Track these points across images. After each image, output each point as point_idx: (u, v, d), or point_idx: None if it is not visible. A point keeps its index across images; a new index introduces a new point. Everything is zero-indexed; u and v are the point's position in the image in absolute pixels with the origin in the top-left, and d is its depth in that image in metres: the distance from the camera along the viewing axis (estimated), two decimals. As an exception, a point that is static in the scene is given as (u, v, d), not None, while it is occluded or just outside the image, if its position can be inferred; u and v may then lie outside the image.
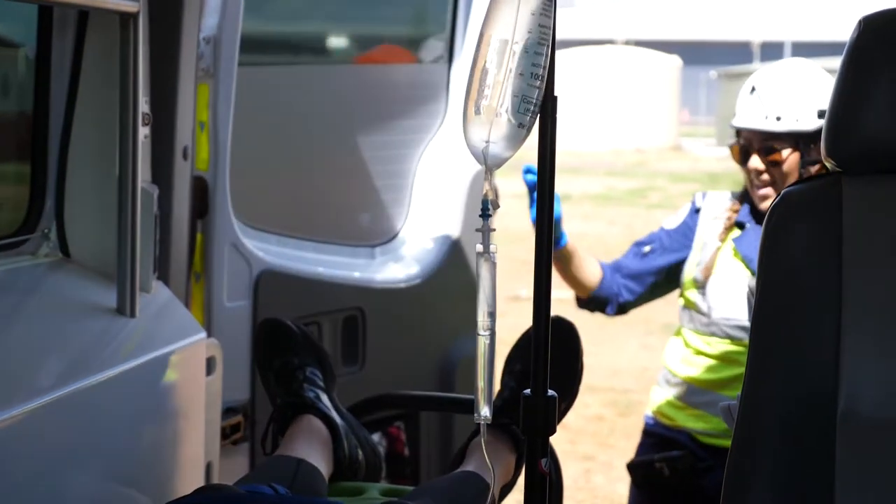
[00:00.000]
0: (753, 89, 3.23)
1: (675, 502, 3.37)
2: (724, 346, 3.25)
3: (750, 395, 1.75)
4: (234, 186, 2.97)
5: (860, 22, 1.75)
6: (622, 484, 5.09)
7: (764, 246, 1.77)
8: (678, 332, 3.39)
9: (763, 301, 1.77)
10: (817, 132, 3.06)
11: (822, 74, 3.22)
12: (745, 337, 3.13)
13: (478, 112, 1.63)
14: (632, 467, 3.42)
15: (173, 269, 2.69)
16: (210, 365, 2.66)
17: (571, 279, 3.31)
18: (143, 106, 2.37)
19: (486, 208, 1.66)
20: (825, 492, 1.66)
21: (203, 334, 2.59)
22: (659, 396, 3.40)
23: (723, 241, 3.27)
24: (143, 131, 2.38)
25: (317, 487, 2.28)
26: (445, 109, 3.77)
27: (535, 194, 3.13)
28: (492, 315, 1.66)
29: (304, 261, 3.32)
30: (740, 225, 3.27)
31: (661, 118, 29.22)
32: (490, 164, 1.64)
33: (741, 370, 1.87)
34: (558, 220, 3.08)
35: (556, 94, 1.68)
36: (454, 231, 3.70)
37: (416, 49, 3.91)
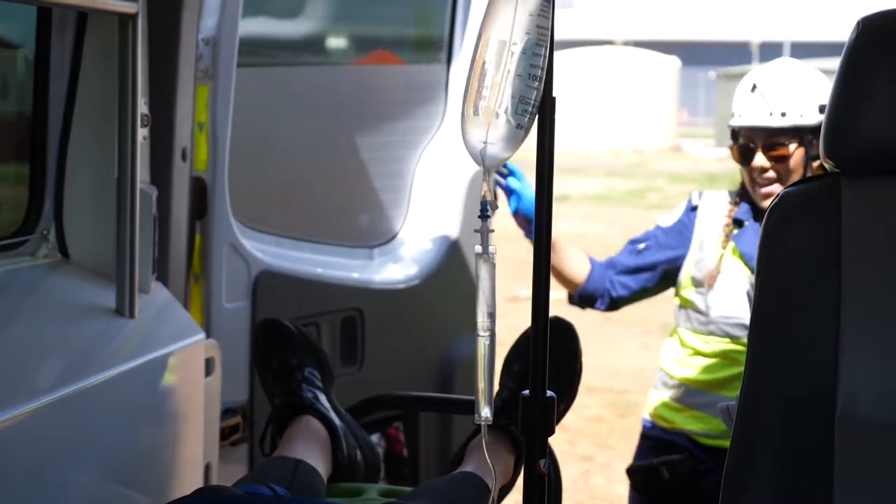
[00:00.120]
0: (754, 87, 3.24)
1: (676, 505, 3.37)
2: (723, 344, 3.24)
3: (749, 394, 1.75)
4: (234, 187, 2.97)
5: (859, 23, 1.75)
6: (621, 485, 5.09)
7: (763, 246, 1.77)
8: (674, 333, 3.39)
9: (762, 301, 1.77)
10: (819, 126, 3.07)
11: (816, 72, 3.27)
12: (745, 335, 3.13)
13: (476, 113, 1.63)
14: (631, 472, 3.41)
15: (172, 270, 2.69)
16: (209, 366, 2.66)
17: (556, 274, 3.31)
18: (142, 107, 2.37)
19: (485, 209, 1.66)
20: (824, 491, 1.67)
21: (202, 335, 2.59)
22: (656, 399, 3.40)
23: (724, 248, 3.26)
24: (142, 132, 2.38)
25: (315, 488, 2.28)
26: (444, 110, 3.76)
27: (509, 187, 3.20)
28: (491, 316, 1.66)
29: (302, 261, 3.32)
30: (738, 223, 3.27)
31: (660, 119, 29.22)
32: (488, 165, 1.64)
33: (739, 370, 1.87)
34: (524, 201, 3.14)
35: (554, 94, 1.68)
36: (453, 232, 3.70)
37: (410, 53, 3.91)
